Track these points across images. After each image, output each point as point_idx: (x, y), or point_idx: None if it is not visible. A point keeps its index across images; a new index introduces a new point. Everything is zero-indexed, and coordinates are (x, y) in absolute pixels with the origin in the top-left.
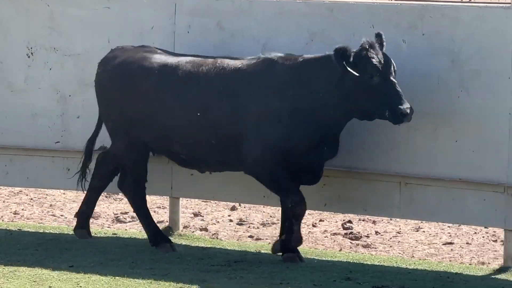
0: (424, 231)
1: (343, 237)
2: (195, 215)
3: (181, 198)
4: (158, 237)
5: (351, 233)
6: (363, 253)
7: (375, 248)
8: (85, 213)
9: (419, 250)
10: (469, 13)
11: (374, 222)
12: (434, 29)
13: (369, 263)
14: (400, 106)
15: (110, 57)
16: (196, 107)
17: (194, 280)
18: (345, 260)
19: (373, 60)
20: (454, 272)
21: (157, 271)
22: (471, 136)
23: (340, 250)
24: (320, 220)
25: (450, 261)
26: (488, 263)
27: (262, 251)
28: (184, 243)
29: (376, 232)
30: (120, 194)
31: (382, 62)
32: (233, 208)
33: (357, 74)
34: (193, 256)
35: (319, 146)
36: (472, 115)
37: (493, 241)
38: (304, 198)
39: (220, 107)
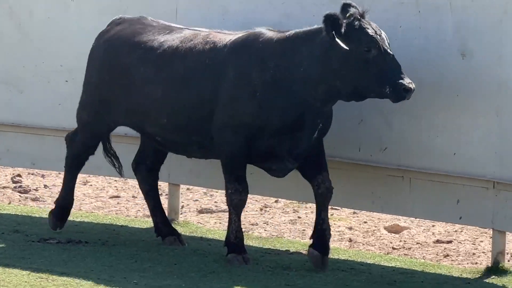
0: (91, 185)
1: (12, 190)
2: None
3: None
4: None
5: (20, 186)
6: (32, 206)
7: (44, 201)
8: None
9: (86, 203)
10: None
11: (43, 176)
12: None
13: (37, 215)
14: (401, 81)
15: (105, 30)
16: (172, 82)
17: None
18: (13, 213)
19: (369, 31)
20: (120, 224)
21: None
22: None
23: (9, 203)
24: None
25: (117, 214)
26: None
27: None
28: None
29: (45, 186)
30: None
31: (378, 33)
32: None
33: (347, 48)
34: None
35: (294, 129)
36: None
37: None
38: (247, 190)
39: (197, 82)
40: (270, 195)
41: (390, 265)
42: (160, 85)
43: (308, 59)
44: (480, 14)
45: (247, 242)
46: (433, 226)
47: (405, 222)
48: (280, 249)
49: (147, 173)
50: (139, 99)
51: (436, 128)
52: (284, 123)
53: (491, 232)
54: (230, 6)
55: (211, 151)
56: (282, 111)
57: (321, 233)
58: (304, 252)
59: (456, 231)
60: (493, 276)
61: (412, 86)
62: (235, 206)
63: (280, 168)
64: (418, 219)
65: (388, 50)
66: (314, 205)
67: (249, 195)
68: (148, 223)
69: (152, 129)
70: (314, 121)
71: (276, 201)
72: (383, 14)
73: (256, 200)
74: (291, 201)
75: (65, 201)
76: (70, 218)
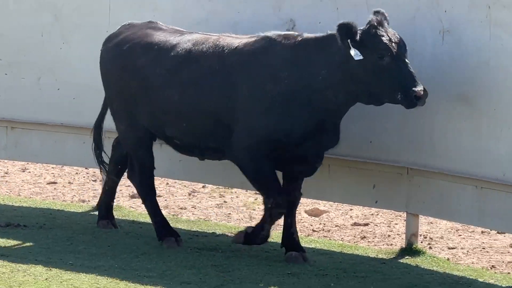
0: (30, 172)
1: None
2: None
3: None
4: (164, 230)
5: None
6: None
7: None
8: (105, 203)
9: (25, 189)
10: None
11: None
12: None
13: None
14: (414, 89)
15: (114, 34)
16: (189, 87)
17: None
18: None
19: (384, 38)
20: (56, 209)
21: None
22: (71, 84)
23: None
24: None
25: (54, 199)
26: (88, 200)
27: None
28: None
29: None
30: None
31: (393, 40)
32: None
33: (360, 57)
34: None
35: (316, 134)
36: (73, 65)
37: (93, 181)
38: (286, 200)
39: (213, 87)
40: (198, 181)
41: (310, 246)
42: (174, 89)
43: (326, 67)
44: (395, 11)
45: (176, 225)
46: (351, 209)
47: (324, 206)
48: (207, 231)
49: (122, 156)
50: (155, 102)
51: (353, 117)
52: (304, 133)
53: (405, 215)
54: (160, 4)
55: (226, 155)
56: (301, 123)
57: (290, 236)
58: (229, 234)
59: (372, 214)
60: (407, 257)
61: (423, 93)
62: (274, 218)
63: (309, 169)
64: (336, 203)
65: (402, 58)
66: (239, 190)
67: (177, 181)
68: (83, 207)
69: (171, 132)
70: (335, 122)
71: (203, 187)
72: (303, 10)
73: (185, 186)
74: (217, 186)
75: (161, 220)
76: (8, 203)
